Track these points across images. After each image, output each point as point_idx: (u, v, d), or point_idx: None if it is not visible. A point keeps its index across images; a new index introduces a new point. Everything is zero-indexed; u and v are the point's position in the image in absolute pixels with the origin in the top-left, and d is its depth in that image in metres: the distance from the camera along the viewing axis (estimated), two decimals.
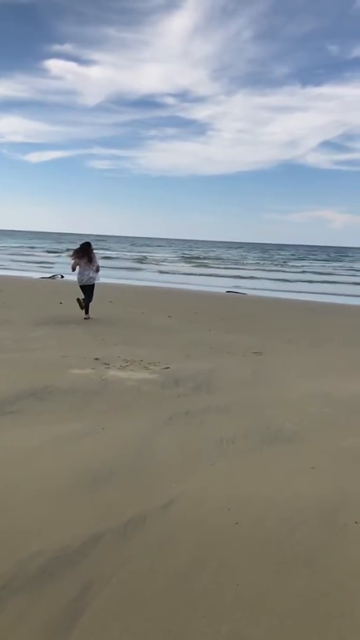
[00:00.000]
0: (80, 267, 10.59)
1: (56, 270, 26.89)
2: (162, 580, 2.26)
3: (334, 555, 2.52)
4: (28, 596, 2.11)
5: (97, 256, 11.03)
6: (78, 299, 10.60)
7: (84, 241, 11.10)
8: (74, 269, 10.69)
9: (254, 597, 2.19)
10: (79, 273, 10.62)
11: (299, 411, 4.81)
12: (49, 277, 22.23)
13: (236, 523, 2.76)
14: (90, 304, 10.66)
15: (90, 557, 2.39)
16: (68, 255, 10.70)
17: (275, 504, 2.98)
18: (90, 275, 10.63)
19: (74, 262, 10.68)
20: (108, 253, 48.53)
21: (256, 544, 2.59)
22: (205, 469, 3.45)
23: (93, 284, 10.73)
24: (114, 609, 2.07)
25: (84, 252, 10.64)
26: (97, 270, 10.78)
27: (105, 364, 6.34)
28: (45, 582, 2.21)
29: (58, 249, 57.65)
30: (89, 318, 10.37)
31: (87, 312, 10.50)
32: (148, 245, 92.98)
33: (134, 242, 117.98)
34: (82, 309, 10.53)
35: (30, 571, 2.27)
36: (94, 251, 11.01)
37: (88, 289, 10.67)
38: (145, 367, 6.28)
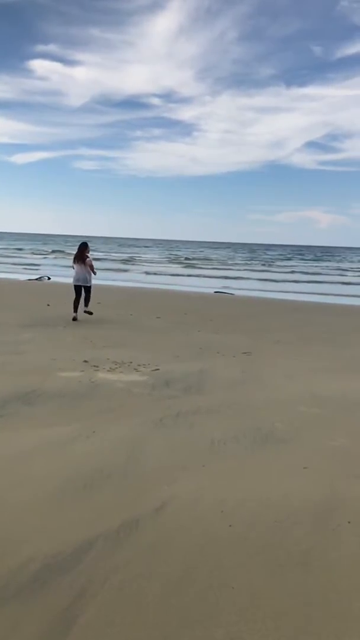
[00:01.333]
0: (76, 267, 10.74)
1: (43, 272, 26.72)
2: (156, 585, 2.23)
3: (328, 556, 2.52)
4: (21, 605, 2.07)
5: (91, 257, 11.04)
6: (73, 317, 10.51)
7: (81, 242, 11.25)
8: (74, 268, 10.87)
9: (249, 600, 2.18)
10: (75, 273, 10.75)
11: (289, 411, 4.82)
12: (36, 279, 22.07)
13: (230, 525, 2.74)
14: (83, 307, 10.67)
15: (83, 564, 2.36)
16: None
17: (268, 505, 2.98)
18: (81, 276, 10.66)
19: (73, 262, 10.94)
20: (95, 254, 48.05)
21: (250, 546, 2.57)
22: (197, 470, 3.43)
23: (88, 286, 10.72)
24: (108, 616, 2.04)
25: (79, 253, 10.78)
26: (92, 270, 10.77)
27: (94, 366, 6.30)
28: (38, 590, 2.17)
29: (44, 250, 57.30)
30: (76, 319, 10.35)
31: (86, 306, 10.61)
32: (135, 246, 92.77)
33: (121, 242, 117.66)
34: (74, 320, 10.40)
35: (22, 579, 2.23)
36: (90, 252, 11.08)
37: (78, 289, 10.67)
38: (135, 369, 6.25)
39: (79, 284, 10.67)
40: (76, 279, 10.69)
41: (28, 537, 2.56)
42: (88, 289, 10.75)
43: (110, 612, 2.06)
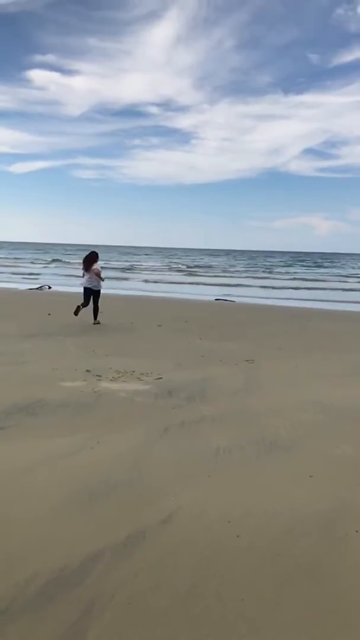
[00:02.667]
0: (85, 274, 11.44)
1: (43, 281, 26.75)
2: (165, 598, 2.21)
3: (337, 566, 2.50)
4: (28, 620, 2.05)
5: (98, 265, 11.61)
6: (76, 309, 11.33)
7: (91, 250, 11.88)
8: (83, 275, 11.54)
9: (258, 612, 2.16)
10: (85, 279, 11.43)
11: (293, 419, 4.80)
12: (37, 288, 22.09)
13: (237, 535, 2.72)
14: (84, 311, 11.30)
15: (90, 577, 2.33)
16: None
17: (275, 515, 2.96)
18: (88, 282, 11.30)
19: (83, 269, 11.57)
20: (98, 262, 48.33)
21: (258, 556, 2.55)
22: (202, 480, 3.41)
23: (96, 291, 11.35)
24: (117, 631, 2.02)
25: (87, 262, 11.42)
26: (99, 276, 11.37)
27: (97, 375, 6.28)
28: (45, 605, 2.14)
29: (44, 259, 57.41)
30: (98, 323, 11.13)
31: (95, 317, 11.25)
32: (135, 254, 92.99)
33: (120, 251, 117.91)
34: (75, 315, 11.24)
35: (29, 594, 2.21)
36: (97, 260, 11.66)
37: (87, 294, 11.35)
38: (138, 378, 6.24)
39: (89, 287, 11.30)
40: (86, 283, 11.33)
41: (34, 550, 2.54)
42: (97, 294, 11.34)
43: (120, 626, 2.04)
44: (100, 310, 11.50)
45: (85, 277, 11.39)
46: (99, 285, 11.40)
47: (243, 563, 2.50)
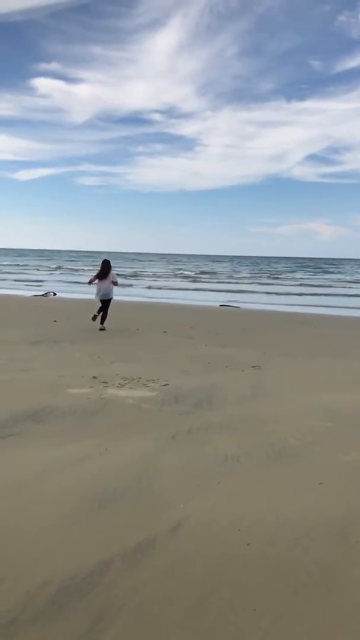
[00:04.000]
0: (98, 282, 11.75)
1: (48, 288, 26.84)
2: (176, 607, 2.19)
3: (350, 574, 2.47)
4: (39, 629, 2.03)
5: (114, 272, 12.16)
6: (94, 316, 11.70)
7: (103, 259, 12.25)
8: (90, 283, 12.08)
9: (271, 622, 2.13)
10: (97, 288, 11.78)
11: (301, 426, 4.77)
12: (42, 295, 22.16)
13: (247, 544, 2.70)
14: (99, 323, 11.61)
15: (100, 586, 2.32)
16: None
17: (285, 523, 2.93)
18: (104, 291, 11.70)
19: (92, 278, 12.03)
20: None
21: (269, 565, 2.53)
22: (211, 488, 3.39)
23: (109, 299, 11.76)
24: None
25: (102, 269, 11.77)
26: (115, 284, 11.99)
27: (103, 382, 6.28)
28: (56, 614, 2.13)
29: (49, 266, 57.62)
30: (104, 329, 11.31)
31: (102, 323, 11.52)
32: (139, 261, 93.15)
33: (125, 257, 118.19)
34: (93, 320, 11.65)
35: (39, 603, 2.19)
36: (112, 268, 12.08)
37: (104, 303, 11.70)
38: (144, 385, 6.23)
39: (104, 298, 11.68)
40: (102, 295, 11.68)
41: (43, 558, 2.52)
42: (108, 301, 11.72)
43: (131, 636, 2.02)
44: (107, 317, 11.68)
45: (102, 287, 11.65)
46: (112, 294, 11.84)
47: (254, 572, 2.47)
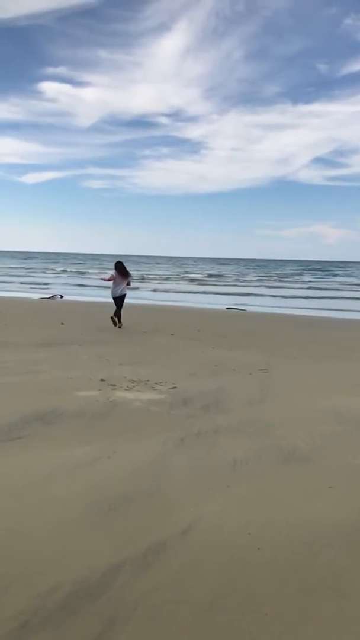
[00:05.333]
0: (115, 281, 12.50)
1: (55, 290, 26.93)
2: (187, 611, 2.18)
3: None
4: (50, 633, 2.03)
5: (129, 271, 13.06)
6: (112, 318, 12.37)
7: (117, 260, 13.08)
8: (108, 280, 12.83)
9: (283, 627, 2.12)
10: (113, 287, 12.54)
11: (310, 429, 4.75)
12: (49, 298, 22.23)
13: (258, 548, 2.69)
14: (95, 320, 12.50)
15: (111, 590, 2.31)
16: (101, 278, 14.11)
17: (296, 527, 2.92)
18: (118, 289, 12.47)
19: (110, 276, 12.75)
20: (109, 272, 48.62)
21: (280, 570, 2.52)
22: (221, 491, 3.38)
23: (123, 295, 12.59)
24: None
25: (119, 271, 12.53)
26: (129, 284, 12.82)
27: (111, 385, 6.28)
28: (67, 618, 2.12)
29: (56, 269, 57.84)
30: (121, 326, 12.10)
31: (119, 321, 12.26)
32: (145, 263, 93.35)
33: (131, 260, 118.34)
34: (115, 325, 12.23)
35: (50, 607, 2.19)
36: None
37: (119, 300, 12.48)
38: (152, 387, 6.23)
39: (117, 295, 12.44)
40: (114, 293, 12.49)
41: (54, 562, 2.52)
42: (123, 297, 12.52)
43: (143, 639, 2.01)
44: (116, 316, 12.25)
45: (118, 285, 12.43)
46: (125, 291, 12.64)
47: (265, 576, 2.46)
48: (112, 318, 12.37)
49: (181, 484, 3.46)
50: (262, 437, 4.50)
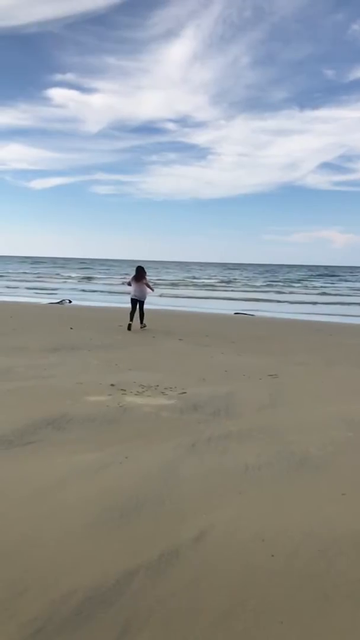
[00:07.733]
0: (133, 285, 13.20)
1: (63, 295, 27.03)
2: (202, 619, 2.17)
3: None
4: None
5: (147, 277, 13.76)
6: (129, 325, 12.79)
7: (137, 265, 13.91)
8: (128, 284, 13.56)
9: (298, 636, 2.10)
10: (132, 290, 13.21)
11: (321, 435, 4.72)
12: (57, 303, 22.31)
13: (272, 555, 2.67)
14: (139, 323, 13.03)
15: (125, 596, 2.31)
16: (124, 281, 14.82)
17: (309, 534, 2.90)
18: (138, 293, 13.08)
19: (129, 280, 13.57)
20: (117, 277, 48.77)
21: (295, 577, 2.50)
22: (233, 498, 3.36)
23: (142, 301, 13.19)
24: None
25: (138, 274, 13.25)
26: (149, 287, 13.49)
27: (121, 390, 6.29)
28: (82, 624, 2.12)
29: (63, 274, 58.08)
30: (130, 329, 12.63)
31: (141, 322, 12.99)
32: (153, 268, 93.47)
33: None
34: (129, 329, 12.66)
35: (65, 613, 2.18)
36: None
37: (134, 303, 13.08)
38: (162, 393, 6.22)
39: (136, 298, 13.06)
40: (134, 294, 13.11)
41: (67, 568, 2.52)
42: (142, 304, 13.14)
43: None
44: (120, 324, 11.95)
45: (132, 287, 13.15)
46: (145, 297, 13.24)
47: (280, 584, 2.44)
48: (128, 326, 12.80)
49: (193, 490, 3.45)
50: (273, 442, 4.48)
